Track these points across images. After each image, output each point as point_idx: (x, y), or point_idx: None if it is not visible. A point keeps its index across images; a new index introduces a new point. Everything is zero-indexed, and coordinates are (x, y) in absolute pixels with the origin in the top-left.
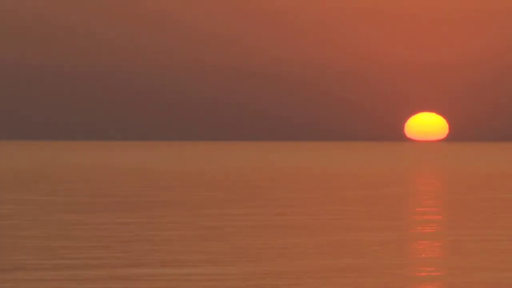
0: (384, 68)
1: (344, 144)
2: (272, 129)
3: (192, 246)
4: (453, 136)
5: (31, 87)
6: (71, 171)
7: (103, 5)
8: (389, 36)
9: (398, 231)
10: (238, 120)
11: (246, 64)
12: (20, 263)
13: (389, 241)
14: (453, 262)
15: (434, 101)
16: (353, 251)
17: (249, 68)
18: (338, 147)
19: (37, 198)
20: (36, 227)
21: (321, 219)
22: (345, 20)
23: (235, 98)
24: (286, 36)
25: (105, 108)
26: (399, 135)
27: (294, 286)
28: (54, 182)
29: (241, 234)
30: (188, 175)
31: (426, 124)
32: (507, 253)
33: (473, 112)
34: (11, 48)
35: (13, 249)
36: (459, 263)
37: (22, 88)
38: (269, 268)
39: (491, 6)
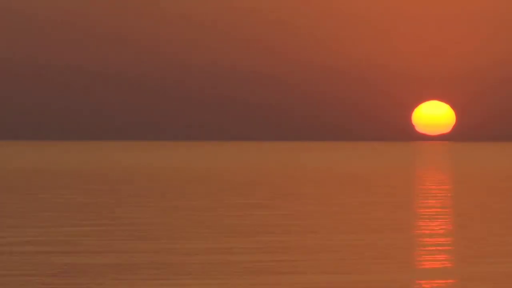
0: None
1: (353, 145)
2: (269, 128)
3: None
4: (460, 126)
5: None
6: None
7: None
8: (393, 33)
9: None
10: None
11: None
12: None
13: None
14: None
15: (439, 89)
16: None
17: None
18: (352, 148)
19: None
20: None
21: None
22: (350, 21)
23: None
24: (292, 36)
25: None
26: (406, 127)
27: None
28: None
29: None
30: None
31: (434, 114)
32: None
33: (477, 95)
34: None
35: None
36: None
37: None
38: None
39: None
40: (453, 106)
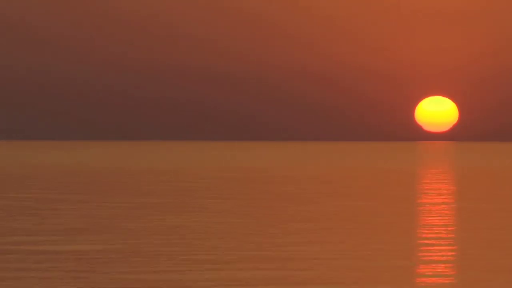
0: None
1: (364, 145)
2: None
3: None
4: (463, 121)
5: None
6: None
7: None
8: (396, 33)
9: None
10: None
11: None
12: None
13: None
14: None
15: (442, 84)
16: None
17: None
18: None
19: None
20: None
21: None
22: (357, 17)
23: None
24: (297, 32)
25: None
26: (409, 123)
27: None
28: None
29: None
30: None
31: (436, 110)
32: None
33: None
34: None
35: None
36: None
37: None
38: None
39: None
40: (456, 101)
